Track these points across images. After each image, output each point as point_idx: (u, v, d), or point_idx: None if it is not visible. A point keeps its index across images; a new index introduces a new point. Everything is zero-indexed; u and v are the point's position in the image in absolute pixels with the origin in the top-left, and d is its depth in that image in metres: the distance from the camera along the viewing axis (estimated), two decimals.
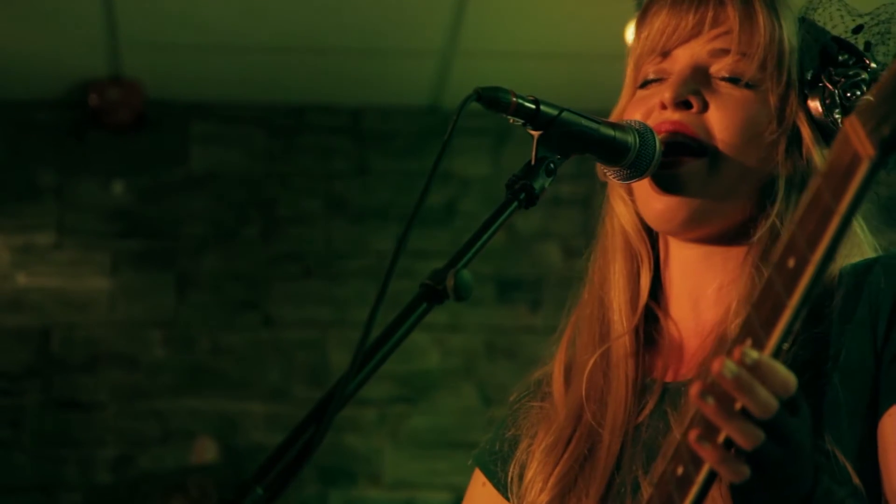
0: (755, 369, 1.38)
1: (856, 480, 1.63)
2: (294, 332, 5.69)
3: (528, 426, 1.91)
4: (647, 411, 1.80)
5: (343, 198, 5.81)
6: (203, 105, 5.79)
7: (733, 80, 1.81)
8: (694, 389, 1.39)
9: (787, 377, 1.41)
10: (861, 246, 1.81)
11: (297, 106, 5.83)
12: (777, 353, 1.36)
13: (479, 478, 1.97)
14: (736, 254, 1.82)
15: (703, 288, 1.84)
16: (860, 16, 1.86)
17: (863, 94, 1.80)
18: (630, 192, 1.87)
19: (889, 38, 1.85)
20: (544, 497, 1.81)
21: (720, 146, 1.79)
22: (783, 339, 1.35)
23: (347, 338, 5.62)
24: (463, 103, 1.59)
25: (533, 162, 1.67)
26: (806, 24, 1.86)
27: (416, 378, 5.66)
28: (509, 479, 1.89)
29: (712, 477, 1.39)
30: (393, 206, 5.73)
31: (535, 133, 1.69)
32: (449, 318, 5.61)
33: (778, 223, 1.76)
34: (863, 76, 1.80)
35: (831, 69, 1.82)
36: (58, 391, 5.56)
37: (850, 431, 1.67)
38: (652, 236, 1.89)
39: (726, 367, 1.37)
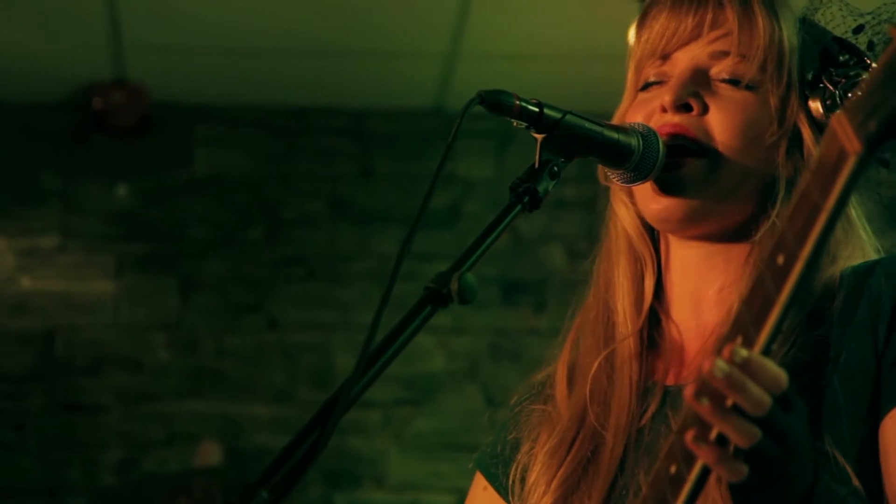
0: (745, 367, 1.38)
1: (856, 482, 1.63)
2: (298, 335, 5.69)
3: (529, 429, 1.91)
4: (649, 414, 1.80)
5: (347, 200, 5.81)
6: (207, 108, 5.79)
7: (733, 81, 1.81)
8: (689, 390, 1.39)
9: (778, 374, 1.41)
10: (864, 247, 1.81)
11: (301, 108, 5.83)
12: (768, 350, 1.36)
13: (480, 481, 1.97)
14: (737, 255, 1.82)
15: (705, 289, 1.84)
16: (861, 15, 1.86)
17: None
18: (631, 196, 1.88)
19: (890, 38, 1.85)
20: (547, 499, 1.81)
21: (720, 148, 1.79)
22: (773, 335, 1.35)
23: (352, 340, 5.62)
24: (466, 106, 1.59)
25: (536, 165, 1.67)
26: (807, 25, 1.86)
27: (421, 380, 5.66)
28: (511, 483, 1.89)
29: (704, 475, 1.39)
30: (397, 209, 5.73)
31: (539, 136, 1.69)
32: (453, 320, 5.61)
33: (778, 224, 1.76)
34: (863, 76, 1.80)
35: (832, 70, 1.82)
36: (62, 394, 5.56)
37: (850, 433, 1.67)
38: (654, 239, 1.89)
39: (717, 366, 1.37)
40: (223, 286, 5.70)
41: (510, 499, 1.90)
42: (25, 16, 5.10)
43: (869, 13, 1.86)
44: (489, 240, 1.59)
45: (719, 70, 1.82)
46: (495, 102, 1.64)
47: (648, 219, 1.84)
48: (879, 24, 1.85)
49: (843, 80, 1.81)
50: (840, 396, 1.68)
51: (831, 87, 1.81)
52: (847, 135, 1.27)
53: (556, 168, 1.68)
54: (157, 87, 5.64)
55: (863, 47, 1.84)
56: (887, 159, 1.79)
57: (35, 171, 5.70)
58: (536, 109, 1.68)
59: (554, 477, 1.81)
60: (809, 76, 1.83)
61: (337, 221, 5.80)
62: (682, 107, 1.80)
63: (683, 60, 1.84)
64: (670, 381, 1.83)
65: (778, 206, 1.79)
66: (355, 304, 5.66)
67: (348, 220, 5.80)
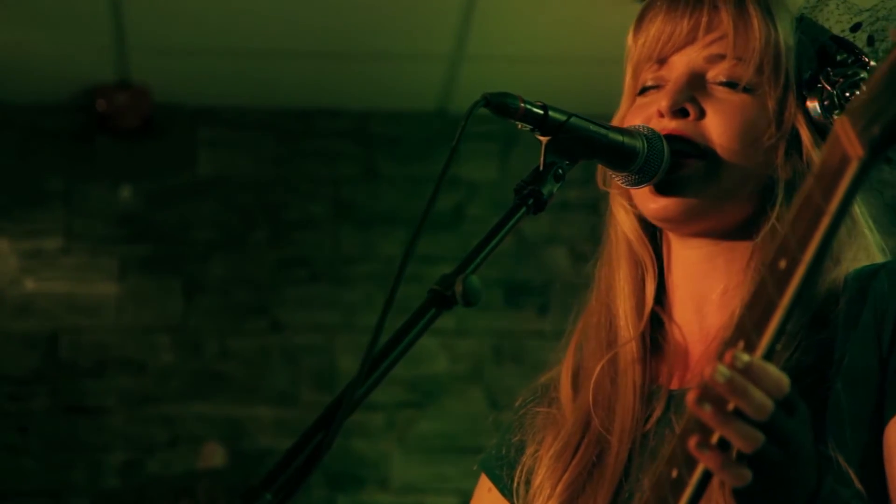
0: (747, 372, 1.38)
1: (858, 486, 1.62)
2: (302, 337, 5.69)
3: (534, 432, 1.91)
4: (653, 419, 1.80)
5: (350, 202, 5.81)
6: (211, 110, 5.79)
7: (730, 84, 1.81)
8: (690, 396, 1.39)
9: (780, 378, 1.41)
10: (868, 248, 1.81)
11: (305, 110, 5.83)
12: (770, 355, 1.36)
13: (484, 483, 1.97)
14: (739, 256, 1.82)
15: (707, 292, 1.84)
16: (860, 13, 1.86)
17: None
18: (631, 199, 1.88)
19: (888, 35, 1.84)
20: (552, 503, 1.81)
21: (719, 151, 1.79)
22: (775, 340, 1.35)
23: (355, 342, 5.62)
24: (471, 109, 1.59)
25: (541, 167, 1.67)
26: (804, 24, 1.85)
27: (424, 383, 5.66)
28: (515, 485, 1.89)
29: (706, 479, 1.39)
30: (400, 211, 5.73)
31: (544, 139, 1.69)
32: (457, 322, 5.60)
33: (778, 226, 1.76)
34: (861, 75, 1.80)
35: (829, 69, 1.82)
36: (65, 396, 5.56)
37: (853, 437, 1.66)
38: (655, 243, 1.89)
39: (718, 371, 1.37)
40: (227, 288, 5.69)
41: (515, 501, 1.90)
42: (29, 17, 5.10)
43: (867, 10, 1.86)
44: (493, 242, 1.59)
45: (716, 73, 1.82)
46: (500, 105, 1.64)
47: (649, 217, 1.84)
48: (877, 21, 1.84)
49: (841, 80, 1.80)
50: (843, 400, 1.68)
51: (829, 88, 1.80)
52: (850, 139, 1.27)
53: (560, 171, 1.68)
54: (160, 88, 5.64)
55: (862, 44, 1.83)
56: (891, 157, 1.79)
57: (38, 173, 5.70)
58: (541, 112, 1.68)
59: (559, 481, 1.81)
60: (807, 76, 1.83)
61: (340, 223, 5.79)
62: (679, 112, 1.80)
63: (680, 64, 1.83)
64: (674, 384, 1.83)
65: (777, 207, 1.78)
66: (359, 306, 5.66)
67: (352, 223, 5.79)
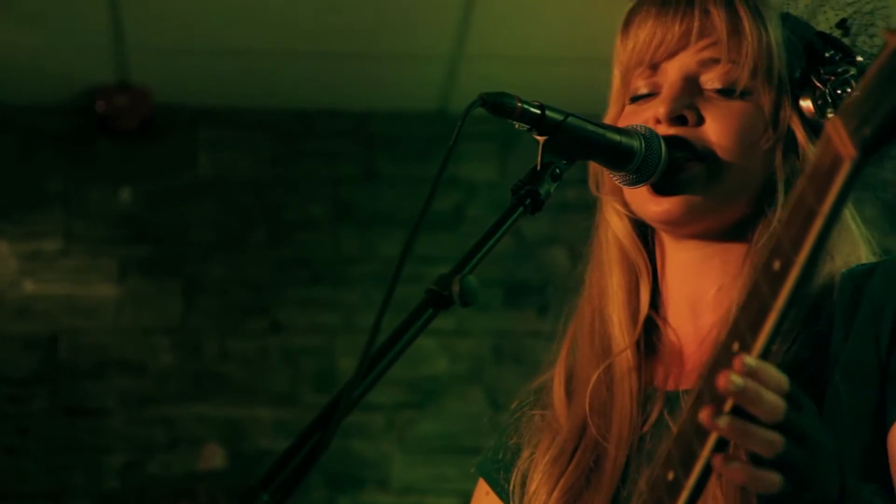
0: (755, 376, 1.38)
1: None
2: (301, 338, 5.69)
3: (529, 435, 1.90)
4: (650, 422, 1.80)
5: (350, 203, 5.81)
6: (210, 111, 5.79)
7: (727, 91, 1.80)
8: (705, 416, 1.38)
9: (780, 377, 1.40)
10: (856, 242, 1.81)
11: (304, 111, 5.83)
12: (765, 356, 1.35)
13: (482, 487, 1.96)
14: (734, 256, 1.82)
15: (702, 293, 1.84)
16: (843, 8, 1.86)
17: (853, 89, 1.79)
18: (623, 202, 1.87)
19: (873, 29, 1.85)
20: None
21: (719, 155, 1.79)
22: (770, 341, 1.34)
23: (355, 343, 5.61)
24: (468, 109, 1.58)
25: (538, 167, 1.67)
26: (789, 21, 1.85)
27: (424, 383, 5.66)
28: (512, 488, 1.88)
29: (702, 482, 1.39)
30: (400, 212, 5.72)
31: (541, 138, 1.69)
32: (456, 323, 5.60)
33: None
34: (851, 72, 1.80)
35: (819, 67, 1.82)
36: (65, 398, 5.56)
37: (851, 432, 1.66)
38: (648, 247, 1.89)
39: (733, 382, 1.36)
40: (226, 289, 5.69)
41: (511, 502, 1.89)
42: (28, 18, 5.10)
43: (850, 4, 1.86)
44: (491, 242, 1.58)
45: (710, 78, 1.81)
46: (497, 104, 1.63)
47: (649, 220, 1.83)
48: (862, 15, 1.85)
49: (833, 78, 1.80)
50: (842, 394, 1.67)
51: (821, 86, 1.80)
52: (842, 140, 1.27)
53: (557, 170, 1.67)
54: (160, 89, 5.64)
55: (848, 35, 1.84)
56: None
57: (38, 175, 5.70)
58: (538, 112, 1.67)
59: (555, 487, 1.81)
60: (798, 75, 1.82)
61: (340, 224, 5.79)
62: (677, 119, 1.79)
63: (673, 70, 1.82)
64: (670, 386, 1.82)
65: (777, 207, 1.78)
66: (358, 307, 5.66)
67: (352, 223, 5.79)
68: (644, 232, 1.89)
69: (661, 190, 1.78)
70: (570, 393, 1.88)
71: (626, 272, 1.87)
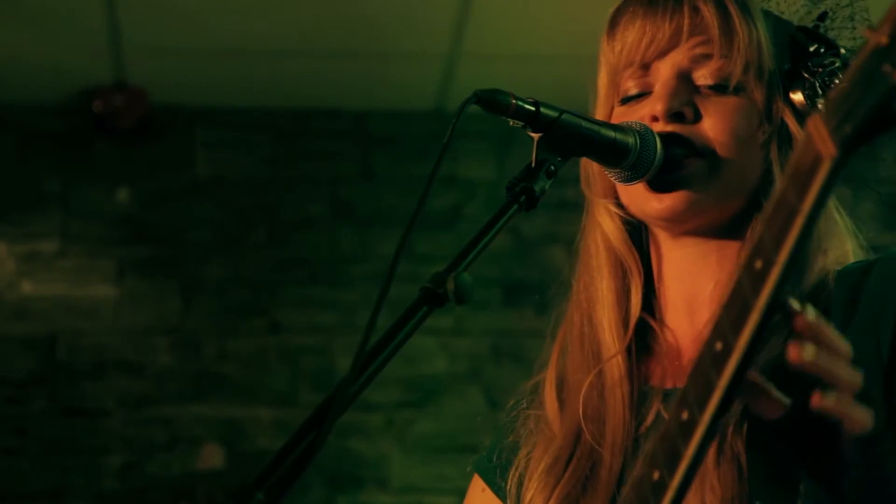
0: (819, 337, 1.38)
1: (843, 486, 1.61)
2: (300, 338, 5.68)
3: (526, 434, 1.90)
4: (647, 422, 1.79)
5: (348, 202, 5.81)
6: (207, 110, 5.79)
7: (721, 87, 1.80)
8: (816, 399, 1.37)
9: (845, 344, 1.42)
10: (842, 236, 1.80)
11: (302, 110, 5.83)
12: (749, 355, 1.34)
13: (478, 484, 1.96)
14: (732, 252, 1.82)
15: (700, 290, 1.83)
16: (819, 1, 1.86)
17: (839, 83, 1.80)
18: (616, 203, 1.86)
19: (853, 22, 1.85)
20: None
21: (717, 151, 1.78)
22: (753, 340, 1.34)
23: (354, 343, 5.59)
24: (462, 106, 1.58)
25: (533, 164, 1.66)
26: (771, 17, 1.85)
27: (423, 382, 5.65)
28: (508, 486, 1.88)
29: (688, 481, 1.38)
30: (398, 211, 5.72)
31: (536, 135, 1.68)
32: (455, 322, 5.60)
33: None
34: (837, 64, 1.80)
35: (806, 61, 1.82)
36: (64, 398, 5.56)
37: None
38: (641, 249, 1.88)
39: (806, 353, 1.36)
40: (225, 289, 5.69)
41: (508, 502, 1.89)
42: (25, 19, 5.09)
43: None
44: (485, 239, 1.58)
45: (703, 74, 1.81)
46: (491, 101, 1.63)
47: (649, 217, 1.82)
48: (841, 8, 1.85)
49: (820, 70, 1.80)
50: None
51: (810, 78, 1.81)
52: (822, 138, 1.27)
53: (552, 167, 1.66)
54: (157, 89, 5.64)
55: (826, 30, 1.84)
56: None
57: (36, 176, 5.70)
58: (533, 108, 1.66)
59: (551, 496, 1.80)
60: (786, 68, 1.82)
61: (338, 224, 5.79)
62: (675, 116, 1.79)
63: (665, 68, 1.82)
64: (668, 384, 1.81)
65: None
66: (357, 306, 5.66)
67: (350, 223, 5.79)
68: (635, 233, 1.88)
69: (661, 187, 1.78)
70: (561, 399, 1.87)
71: (616, 276, 1.86)
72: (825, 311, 1.71)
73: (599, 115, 1.87)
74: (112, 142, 5.73)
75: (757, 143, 1.80)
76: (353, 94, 5.73)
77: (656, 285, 1.87)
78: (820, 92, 1.79)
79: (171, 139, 5.79)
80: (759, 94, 1.80)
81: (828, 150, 1.26)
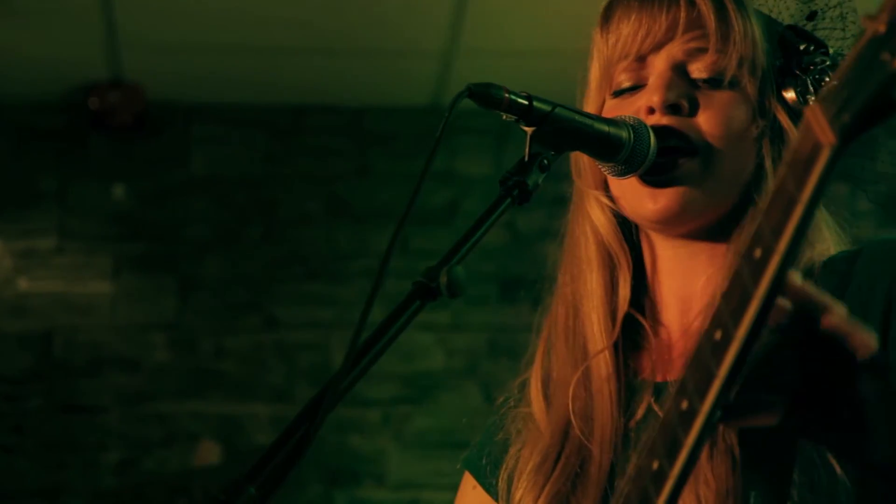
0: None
1: (839, 472, 1.61)
2: (297, 334, 5.68)
3: (515, 430, 1.89)
4: (639, 414, 1.79)
5: (345, 199, 5.81)
6: (204, 107, 5.79)
7: (716, 81, 1.80)
8: (829, 318, 1.38)
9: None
10: (824, 229, 1.80)
11: (298, 107, 5.83)
12: (747, 345, 1.34)
13: (468, 480, 1.96)
14: (723, 249, 1.81)
15: (690, 286, 1.83)
16: (811, 1, 1.87)
17: (830, 78, 1.80)
18: (609, 198, 1.86)
19: (844, 22, 1.85)
20: None
21: (711, 146, 1.78)
22: (753, 330, 1.34)
23: (350, 339, 5.60)
24: (455, 100, 1.57)
25: (526, 158, 1.66)
26: (762, 17, 1.86)
27: (420, 378, 5.65)
28: (499, 483, 1.87)
29: (688, 470, 1.38)
30: (395, 207, 5.72)
31: (529, 129, 1.68)
32: (452, 317, 5.60)
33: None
34: (827, 62, 1.80)
35: (797, 59, 1.82)
36: (61, 395, 5.56)
37: None
38: (630, 242, 1.88)
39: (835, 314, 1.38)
40: (221, 286, 5.69)
41: (498, 499, 1.89)
42: (21, 16, 5.09)
43: None
44: (479, 233, 1.58)
45: (698, 67, 1.81)
46: (484, 95, 1.63)
47: (643, 218, 1.82)
48: (830, 8, 1.86)
49: (811, 67, 1.81)
50: None
51: (802, 75, 1.81)
52: (821, 127, 1.27)
53: (546, 161, 1.66)
54: (153, 86, 5.64)
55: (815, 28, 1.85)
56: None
57: (32, 172, 5.70)
58: (526, 102, 1.66)
59: (540, 494, 1.79)
60: (777, 64, 1.83)
61: (335, 220, 5.79)
62: (671, 108, 1.79)
63: (661, 61, 1.82)
64: (658, 377, 1.81)
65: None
66: (353, 302, 5.66)
67: (346, 219, 5.79)
68: (625, 226, 1.87)
69: (655, 183, 1.78)
70: (548, 397, 1.87)
71: (604, 269, 1.86)
72: None
73: (590, 108, 1.87)
74: (108, 138, 5.73)
75: (750, 138, 1.80)
76: (350, 91, 5.73)
77: (648, 280, 1.87)
78: (811, 89, 1.80)
79: (167, 135, 5.79)
80: (752, 90, 1.80)
81: (827, 138, 1.27)
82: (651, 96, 1.79)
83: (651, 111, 1.79)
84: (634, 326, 1.85)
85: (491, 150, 5.79)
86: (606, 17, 1.86)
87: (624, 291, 1.84)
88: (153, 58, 5.47)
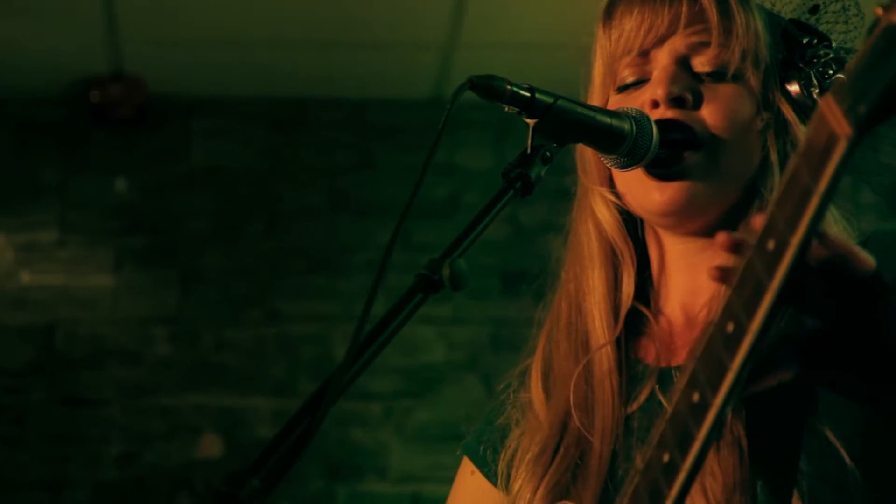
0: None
1: (848, 462, 1.62)
2: (299, 327, 5.68)
3: (516, 417, 1.90)
4: (641, 399, 1.79)
5: (347, 192, 5.80)
6: (205, 100, 5.78)
7: (719, 74, 1.80)
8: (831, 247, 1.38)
9: None
10: (829, 222, 1.80)
11: (300, 100, 5.82)
12: (760, 337, 1.34)
13: (467, 466, 1.96)
14: None
15: (697, 278, 1.83)
16: None
17: (835, 71, 1.80)
18: (615, 195, 1.86)
19: (847, 15, 1.85)
20: None
21: (716, 140, 1.78)
22: (766, 322, 1.33)
23: (352, 332, 5.60)
24: (457, 92, 1.57)
25: (529, 150, 1.66)
26: (765, 10, 1.86)
27: (422, 372, 5.65)
28: (500, 468, 1.88)
29: (699, 463, 1.37)
30: (397, 200, 5.71)
31: (531, 121, 1.68)
32: (453, 311, 5.59)
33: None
34: (830, 55, 1.80)
35: (800, 52, 1.82)
36: (62, 388, 5.56)
37: (845, 408, 1.65)
38: (635, 238, 1.87)
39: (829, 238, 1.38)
40: (223, 279, 5.69)
41: (498, 484, 1.89)
42: (21, 10, 5.09)
43: None
44: (481, 226, 1.57)
45: (701, 61, 1.81)
46: (486, 87, 1.62)
47: (649, 212, 1.82)
48: (833, 2, 1.85)
49: (815, 60, 1.81)
50: None
51: (805, 68, 1.81)
52: (837, 118, 1.26)
53: (548, 153, 1.66)
54: (154, 79, 5.63)
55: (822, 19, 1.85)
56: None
57: (33, 166, 5.69)
58: (528, 94, 1.66)
59: (539, 484, 1.80)
60: (780, 57, 1.83)
61: (337, 213, 5.79)
62: (675, 101, 1.79)
63: (664, 55, 1.82)
64: (662, 364, 1.81)
65: (773, 188, 1.78)
66: (355, 295, 5.65)
67: (348, 212, 5.79)
68: (630, 222, 1.87)
69: (661, 176, 1.78)
70: (547, 389, 1.87)
71: (607, 265, 1.86)
72: None
73: (595, 103, 1.87)
74: (110, 132, 5.73)
75: (755, 131, 1.80)
76: (352, 84, 5.73)
77: (654, 273, 1.87)
78: (815, 82, 1.80)
79: (169, 129, 5.79)
80: (756, 83, 1.80)
81: (843, 129, 1.26)
82: (655, 90, 1.79)
83: (655, 105, 1.79)
84: (638, 316, 1.85)
85: (492, 144, 5.78)
86: (609, 13, 1.86)
87: (628, 288, 1.84)
88: (154, 51, 5.47)
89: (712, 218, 1.81)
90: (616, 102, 1.84)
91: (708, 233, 1.82)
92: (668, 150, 1.76)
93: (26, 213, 5.67)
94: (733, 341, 1.34)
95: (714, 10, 1.80)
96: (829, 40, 1.83)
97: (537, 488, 1.79)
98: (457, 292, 1.51)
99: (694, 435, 1.37)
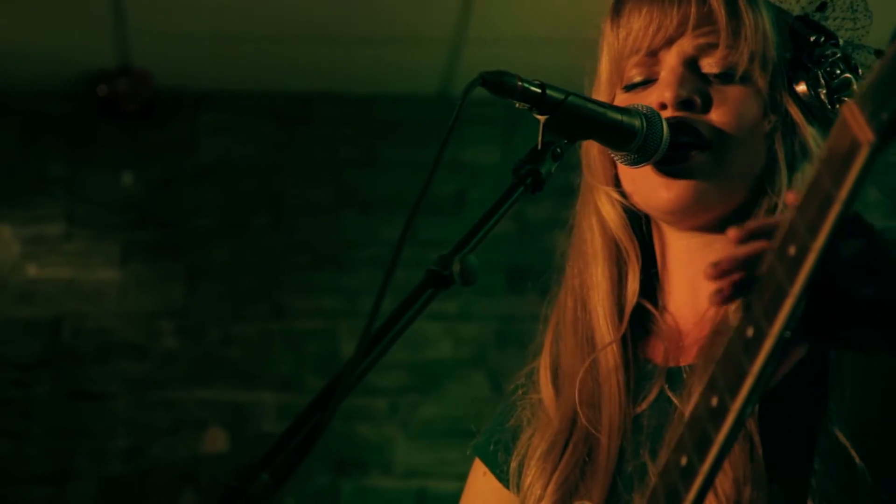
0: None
1: (857, 461, 1.62)
2: (304, 322, 5.68)
3: (527, 417, 1.90)
4: (651, 398, 1.79)
5: (353, 187, 5.80)
6: (212, 95, 5.79)
7: (727, 76, 1.80)
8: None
9: None
10: None
11: (307, 95, 5.82)
12: (780, 341, 1.33)
13: (479, 467, 1.96)
14: None
15: (703, 277, 1.83)
16: None
17: (842, 71, 1.79)
18: (620, 193, 1.85)
19: (855, 13, 1.85)
20: (545, 503, 1.80)
21: (724, 141, 1.78)
22: (786, 327, 1.33)
23: (358, 327, 5.57)
24: (468, 88, 1.57)
25: (539, 146, 1.65)
26: (772, 8, 1.85)
27: (428, 367, 5.65)
28: (511, 469, 1.88)
29: (717, 467, 1.37)
30: (403, 196, 5.71)
31: (542, 117, 1.67)
32: (460, 307, 5.60)
33: (781, 206, 1.76)
34: (839, 54, 1.80)
35: (808, 51, 1.82)
36: (68, 382, 5.56)
37: (852, 398, 1.65)
38: (640, 235, 1.87)
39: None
40: (229, 274, 5.69)
41: (510, 485, 1.89)
42: (29, 4, 5.09)
43: None
44: (491, 222, 1.57)
45: (709, 62, 1.81)
46: (497, 83, 1.62)
47: (656, 209, 1.82)
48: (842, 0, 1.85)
49: (822, 59, 1.80)
50: (844, 360, 1.67)
51: (813, 68, 1.81)
52: (859, 124, 1.25)
53: (558, 150, 1.66)
54: (162, 73, 5.63)
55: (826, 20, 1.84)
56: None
57: (40, 160, 5.70)
58: (539, 90, 1.66)
59: (549, 481, 1.80)
60: (788, 57, 1.83)
61: (343, 209, 5.79)
62: (684, 103, 1.78)
63: (672, 57, 1.81)
64: (671, 363, 1.81)
65: (779, 189, 1.78)
66: (361, 291, 5.66)
67: (354, 208, 5.79)
68: (635, 219, 1.87)
69: (669, 173, 1.78)
70: (556, 386, 1.87)
71: (612, 262, 1.86)
72: None
73: (601, 100, 1.86)
74: (117, 126, 5.73)
75: (762, 133, 1.80)
76: (358, 79, 5.73)
77: (659, 271, 1.87)
78: (822, 82, 1.80)
79: (175, 123, 5.79)
80: (763, 84, 1.80)
81: (865, 136, 1.24)
82: (663, 92, 1.79)
83: (663, 107, 1.78)
84: (645, 314, 1.85)
85: (499, 140, 5.78)
86: (617, 11, 1.85)
87: (633, 285, 1.84)
88: (162, 46, 5.47)
89: (718, 216, 1.81)
90: (623, 101, 1.83)
91: (713, 229, 1.81)
92: (676, 150, 1.76)
93: (33, 207, 5.67)
94: (753, 346, 1.34)
95: (723, 12, 1.79)
96: (837, 38, 1.83)
97: (547, 484, 1.79)
98: (464, 288, 1.51)
99: (712, 439, 1.36)
